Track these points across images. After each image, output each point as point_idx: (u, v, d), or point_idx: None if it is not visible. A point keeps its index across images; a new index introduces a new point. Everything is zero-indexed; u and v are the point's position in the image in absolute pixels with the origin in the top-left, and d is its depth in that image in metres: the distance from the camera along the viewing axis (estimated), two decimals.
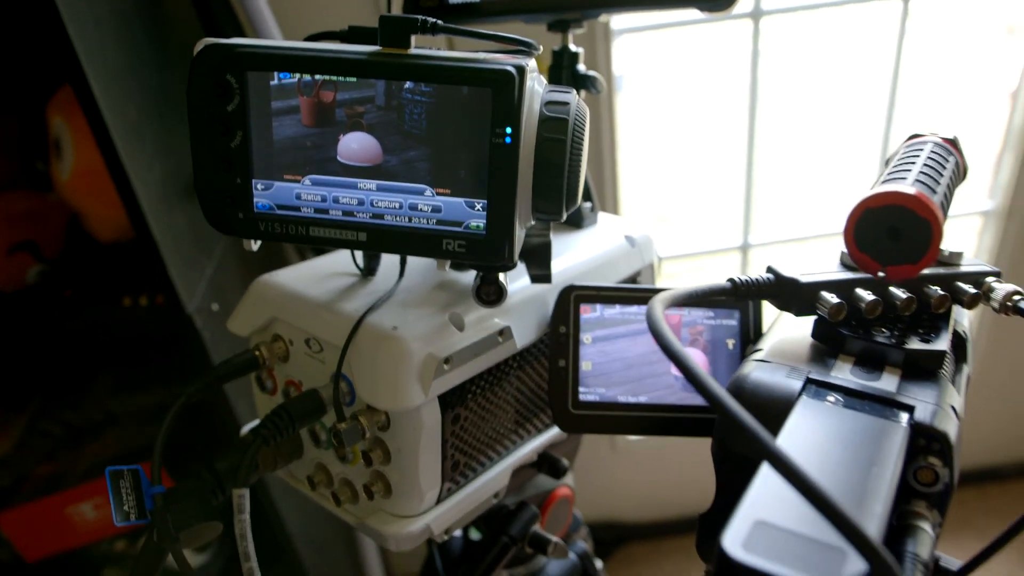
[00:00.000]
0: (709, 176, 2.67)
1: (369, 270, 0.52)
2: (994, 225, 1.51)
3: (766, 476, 0.30)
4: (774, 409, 0.37)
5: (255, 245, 0.46)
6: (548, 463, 0.63)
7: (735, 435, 0.38)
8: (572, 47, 0.61)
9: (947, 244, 0.45)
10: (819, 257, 0.45)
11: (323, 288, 0.51)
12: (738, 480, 0.40)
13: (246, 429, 0.56)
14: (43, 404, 1.26)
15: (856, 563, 0.26)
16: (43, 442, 1.21)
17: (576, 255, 0.58)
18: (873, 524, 0.29)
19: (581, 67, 0.62)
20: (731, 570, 0.26)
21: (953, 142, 0.46)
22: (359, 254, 0.53)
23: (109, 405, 1.24)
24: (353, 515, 0.51)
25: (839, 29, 1.68)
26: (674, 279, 2.49)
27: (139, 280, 0.89)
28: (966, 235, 1.60)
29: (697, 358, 0.53)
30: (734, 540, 0.27)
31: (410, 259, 0.53)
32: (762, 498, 0.29)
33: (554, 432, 0.59)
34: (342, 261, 0.55)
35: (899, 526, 0.35)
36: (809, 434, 0.34)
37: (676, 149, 2.78)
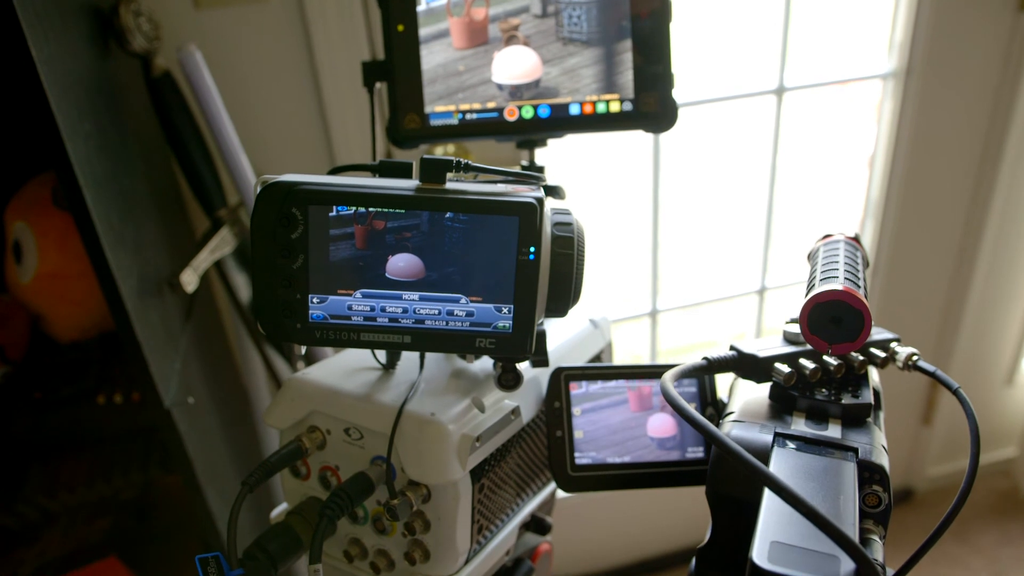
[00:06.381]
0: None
1: (391, 364, 0.60)
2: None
3: (768, 509, 0.41)
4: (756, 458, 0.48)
5: (303, 350, 0.53)
6: (535, 521, 0.72)
7: (728, 480, 0.49)
8: (538, 163, 0.72)
9: None
10: (766, 338, 0.57)
11: (355, 382, 0.58)
12: (728, 517, 0.50)
13: (276, 512, 0.62)
14: None
15: (848, 564, 0.37)
16: None
17: (553, 340, 0.68)
18: (855, 537, 0.40)
19: (546, 179, 0.73)
20: None
21: (856, 239, 0.60)
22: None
23: (46, 504, 1.22)
24: None
25: (730, 118, 1.90)
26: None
27: (110, 378, 0.92)
28: None
29: (666, 421, 0.64)
30: (760, 556, 0.37)
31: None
32: (770, 525, 0.40)
33: (546, 493, 0.68)
34: (360, 357, 0.62)
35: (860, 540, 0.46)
36: (788, 476, 0.45)
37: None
